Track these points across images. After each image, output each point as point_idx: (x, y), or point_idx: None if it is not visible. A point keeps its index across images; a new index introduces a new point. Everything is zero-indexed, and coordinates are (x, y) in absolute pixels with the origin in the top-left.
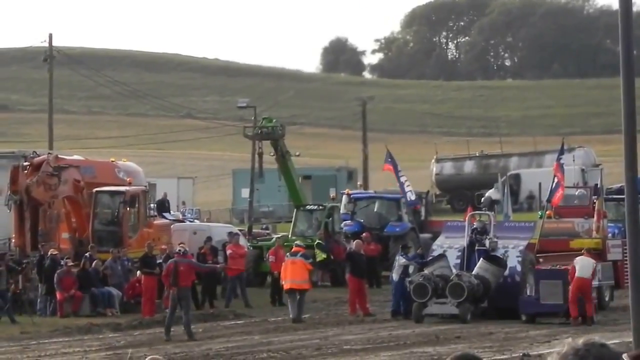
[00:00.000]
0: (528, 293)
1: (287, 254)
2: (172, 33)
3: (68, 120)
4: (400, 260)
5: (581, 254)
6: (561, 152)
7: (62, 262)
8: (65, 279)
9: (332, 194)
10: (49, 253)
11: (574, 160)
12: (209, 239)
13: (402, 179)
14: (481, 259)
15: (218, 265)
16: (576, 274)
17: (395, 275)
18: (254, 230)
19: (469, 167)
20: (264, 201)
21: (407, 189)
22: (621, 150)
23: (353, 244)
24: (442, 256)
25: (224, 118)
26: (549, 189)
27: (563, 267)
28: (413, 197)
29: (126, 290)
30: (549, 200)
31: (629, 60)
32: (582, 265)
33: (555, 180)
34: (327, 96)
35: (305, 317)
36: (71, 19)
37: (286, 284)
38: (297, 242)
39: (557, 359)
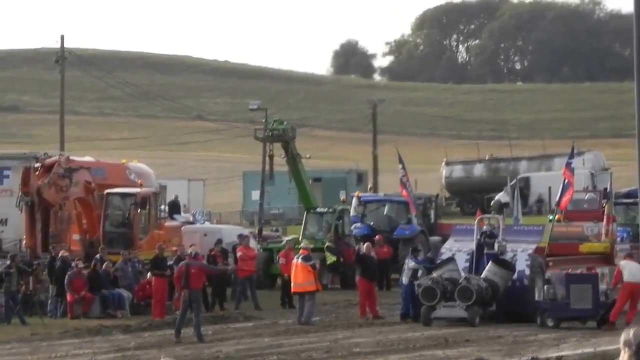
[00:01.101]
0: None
1: (295, 256)
2: (183, 35)
3: (79, 122)
4: (409, 263)
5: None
6: (571, 155)
7: (73, 264)
8: (76, 280)
9: (342, 196)
10: (60, 254)
11: (583, 163)
12: (220, 241)
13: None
14: (490, 262)
15: (229, 267)
16: (625, 279)
17: (404, 279)
18: (264, 233)
19: (478, 170)
20: (274, 203)
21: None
22: (630, 154)
23: (363, 247)
24: (451, 259)
25: (234, 120)
26: (559, 193)
27: (592, 271)
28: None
29: (136, 292)
30: (558, 204)
31: None
32: (631, 270)
33: (565, 182)
34: (337, 99)
35: (315, 319)
36: (83, 20)
37: (292, 287)
38: (302, 244)
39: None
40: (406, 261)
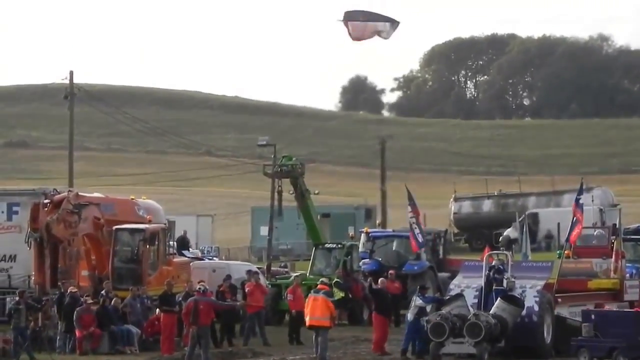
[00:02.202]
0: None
1: (312, 290)
2: (192, 71)
3: (88, 157)
4: (416, 301)
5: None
6: (580, 192)
7: (82, 300)
8: (85, 316)
9: (351, 232)
10: (69, 290)
11: (592, 200)
12: (228, 277)
13: (412, 221)
14: (499, 298)
15: (237, 304)
16: None
17: (410, 315)
18: (272, 268)
19: (487, 206)
20: (282, 239)
21: (415, 230)
22: (639, 190)
23: (378, 282)
24: (459, 295)
25: (243, 156)
26: (568, 229)
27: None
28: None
29: (145, 328)
30: (567, 239)
31: None
32: None
33: (574, 219)
34: (346, 134)
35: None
36: (92, 56)
37: (307, 321)
38: (323, 279)
39: None
40: (414, 298)
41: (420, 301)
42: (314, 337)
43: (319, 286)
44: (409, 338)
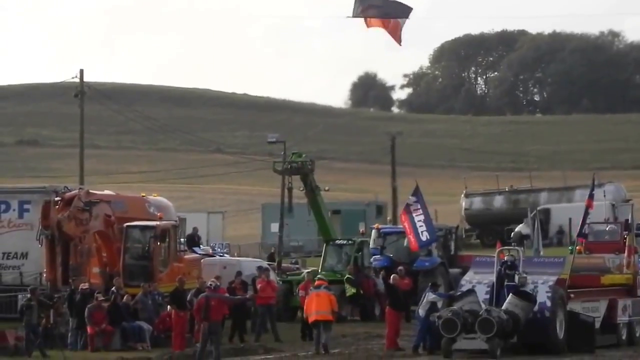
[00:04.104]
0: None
1: (311, 287)
2: (201, 68)
3: (98, 155)
4: (429, 296)
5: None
6: (592, 187)
7: (95, 295)
8: (96, 313)
9: (362, 228)
10: (80, 287)
11: (604, 195)
12: (239, 273)
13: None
14: (510, 294)
15: (247, 296)
16: None
17: (421, 311)
18: (283, 265)
19: (498, 202)
20: (293, 236)
21: (420, 229)
22: None
23: (391, 278)
24: (471, 291)
25: (253, 153)
26: (580, 223)
27: None
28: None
29: (157, 325)
30: (579, 235)
31: None
32: None
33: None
34: (356, 131)
35: (335, 352)
36: (102, 55)
37: (311, 317)
38: (320, 275)
39: None
40: (425, 294)
41: (434, 296)
42: (315, 333)
43: (317, 282)
44: (422, 334)
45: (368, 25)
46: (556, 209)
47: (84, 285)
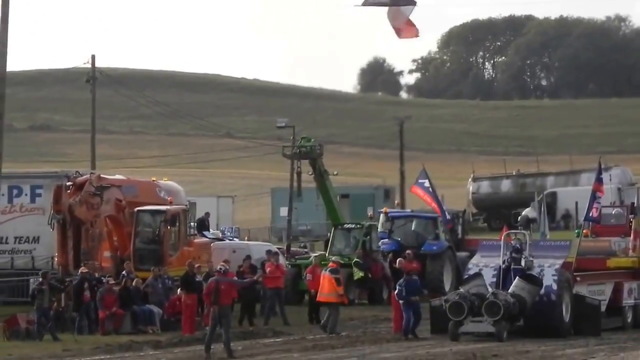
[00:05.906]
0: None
1: (324, 269)
2: (212, 54)
3: (110, 140)
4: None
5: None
6: (599, 172)
7: (104, 280)
8: (107, 297)
9: (370, 212)
10: (80, 272)
11: (610, 179)
12: (248, 257)
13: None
14: (517, 277)
15: (256, 277)
16: None
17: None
18: (292, 249)
19: (505, 186)
20: (302, 220)
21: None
22: None
23: (397, 262)
24: (478, 275)
25: (262, 137)
26: (586, 207)
27: None
28: (448, 217)
29: (167, 308)
30: (586, 218)
31: None
32: None
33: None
34: (364, 116)
35: (343, 334)
36: (113, 40)
37: (317, 297)
38: (333, 258)
39: None
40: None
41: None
42: (326, 314)
43: (329, 264)
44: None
45: (400, 37)
46: (563, 192)
47: (83, 269)
